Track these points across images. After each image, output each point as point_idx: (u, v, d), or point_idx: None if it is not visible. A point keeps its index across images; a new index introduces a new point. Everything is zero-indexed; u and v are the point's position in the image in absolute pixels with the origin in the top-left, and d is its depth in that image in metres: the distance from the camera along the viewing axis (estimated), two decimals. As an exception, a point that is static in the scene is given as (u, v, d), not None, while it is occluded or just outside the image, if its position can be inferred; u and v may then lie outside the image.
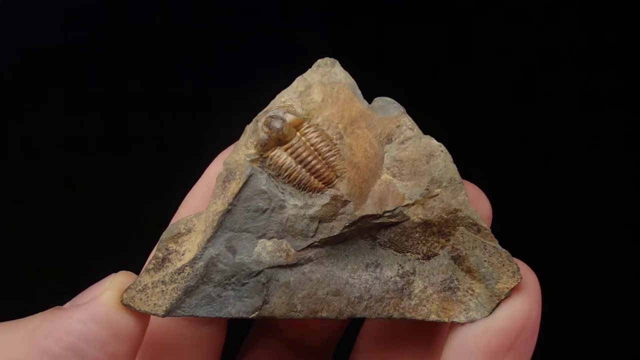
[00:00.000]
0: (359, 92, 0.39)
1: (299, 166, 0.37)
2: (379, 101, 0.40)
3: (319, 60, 0.39)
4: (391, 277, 0.38)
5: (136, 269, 0.41)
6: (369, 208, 0.37)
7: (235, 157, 0.38)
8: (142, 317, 0.37)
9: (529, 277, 0.38)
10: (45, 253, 0.66)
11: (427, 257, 0.38)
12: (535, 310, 0.37)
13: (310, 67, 0.39)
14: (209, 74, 0.67)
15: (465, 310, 0.37)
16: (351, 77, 0.39)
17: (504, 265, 0.37)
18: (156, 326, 0.44)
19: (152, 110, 0.66)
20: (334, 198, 0.37)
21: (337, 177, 0.37)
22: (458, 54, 0.68)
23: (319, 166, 0.37)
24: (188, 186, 0.44)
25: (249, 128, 0.38)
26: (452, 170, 0.38)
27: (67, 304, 0.37)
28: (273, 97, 0.39)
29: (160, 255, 0.38)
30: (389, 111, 0.39)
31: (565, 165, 0.69)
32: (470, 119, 0.68)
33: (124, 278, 0.38)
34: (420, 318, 0.37)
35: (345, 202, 0.37)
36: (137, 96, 0.66)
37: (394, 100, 0.40)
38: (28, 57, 0.65)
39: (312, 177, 0.37)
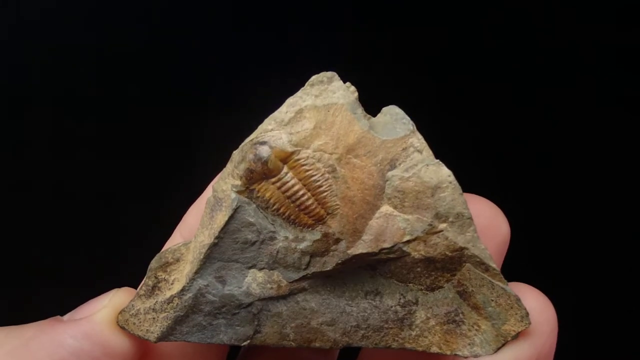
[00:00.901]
0: (360, 110, 0.35)
1: (288, 201, 0.35)
2: (386, 115, 0.36)
3: (313, 77, 0.36)
4: (392, 306, 0.36)
5: (136, 270, 0.41)
6: (364, 245, 0.35)
7: (222, 186, 0.36)
8: (139, 339, 0.37)
9: (546, 312, 0.36)
10: (45, 254, 0.66)
11: (431, 289, 0.36)
12: (545, 350, 0.36)
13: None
14: (209, 75, 0.67)
15: (469, 344, 0.36)
16: (352, 92, 0.36)
17: (512, 308, 0.35)
18: None
19: (152, 111, 0.66)
20: (325, 235, 0.35)
21: (328, 214, 0.35)
22: (458, 55, 0.68)
23: (308, 202, 0.34)
24: (187, 187, 0.44)
25: (235, 156, 0.36)
26: (461, 204, 0.34)
27: (67, 316, 0.37)
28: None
29: (150, 282, 0.37)
30: (395, 130, 0.35)
31: (565, 165, 0.69)
32: (470, 119, 0.68)
33: (123, 296, 0.37)
34: (420, 349, 0.36)
35: (338, 240, 0.35)
36: (137, 97, 0.66)
37: (403, 115, 0.36)
38: (28, 57, 0.65)
39: (302, 213, 0.35)
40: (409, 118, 0.35)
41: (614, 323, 0.69)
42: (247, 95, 0.65)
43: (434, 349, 0.36)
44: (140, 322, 0.36)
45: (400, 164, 0.35)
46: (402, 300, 0.36)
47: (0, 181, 0.65)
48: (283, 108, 0.35)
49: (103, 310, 0.36)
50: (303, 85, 0.36)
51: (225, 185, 0.35)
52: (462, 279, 0.36)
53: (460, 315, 0.36)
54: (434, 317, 0.36)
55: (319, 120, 0.35)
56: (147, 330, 0.36)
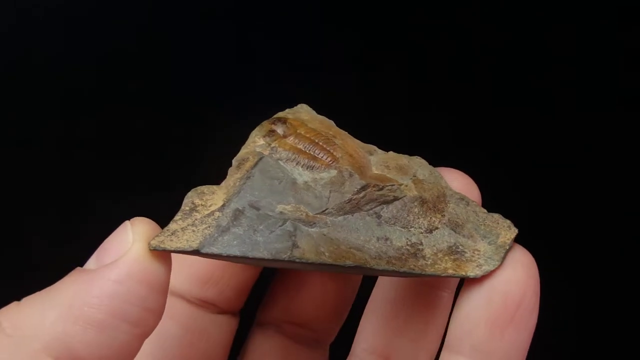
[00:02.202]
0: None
1: (303, 150, 0.41)
2: None
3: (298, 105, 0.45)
4: (402, 247, 0.40)
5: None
6: (372, 179, 0.41)
7: (244, 150, 0.41)
8: (168, 263, 0.36)
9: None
10: (45, 254, 0.66)
11: (430, 230, 0.41)
12: (532, 279, 0.39)
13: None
14: (209, 77, 0.67)
15: (477, 266, 0.40)
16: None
17: (498, 223, 0.41)
18: (171, 316, 0.45)
19: (153, 112, 0.66)
20: (340, 171, 0.41)
21: (337, 159, 0.41)
22: (457, 55, 0.69)
23: (319, 151, 0.41)
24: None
25: (253, 133, 0.42)
26: (430, 167, 0.44)
27: (91, 264, 0.36)
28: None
29: (187, 208, 0.38)
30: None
31: (564, 166, 0.69)
32: (470, 119, 0.68)
33: (144, 225, 0.36)
34: (439, 273, 0.40)
35: (351, 174, 0.41)
36: (137, 98, 0.66)
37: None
38: (28, 57, 0.65)
39: (317, 157, 0.41)
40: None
41: (605, 315, 0.69)
42: (252, 97, 0.65)
43: (450, 272, 0.40)
44: (178, 238, 0.37)
45: (374, 154, 0.44)
46: (409, 242, 0.41)
47: (0, 181, 0.65)
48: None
49: (135, 245, 0.35)
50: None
51: (246, 149, 0.41)
52: (451, 218, 0.41)
53: (460, 247, 0.41)
54: (439, 252, 0.41)
55: (312, 117, 0.44)
56: (187, 240, 0.37)
